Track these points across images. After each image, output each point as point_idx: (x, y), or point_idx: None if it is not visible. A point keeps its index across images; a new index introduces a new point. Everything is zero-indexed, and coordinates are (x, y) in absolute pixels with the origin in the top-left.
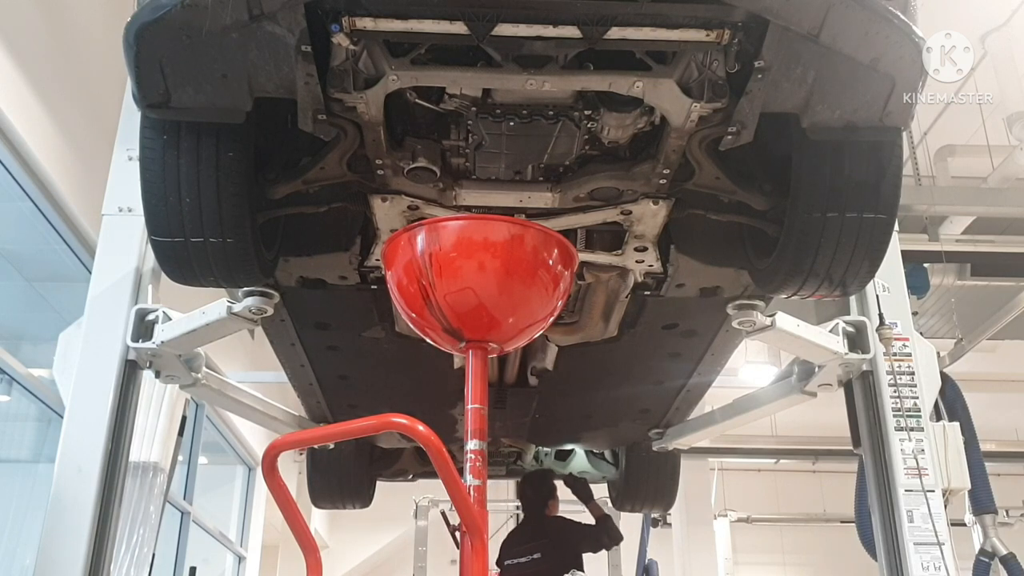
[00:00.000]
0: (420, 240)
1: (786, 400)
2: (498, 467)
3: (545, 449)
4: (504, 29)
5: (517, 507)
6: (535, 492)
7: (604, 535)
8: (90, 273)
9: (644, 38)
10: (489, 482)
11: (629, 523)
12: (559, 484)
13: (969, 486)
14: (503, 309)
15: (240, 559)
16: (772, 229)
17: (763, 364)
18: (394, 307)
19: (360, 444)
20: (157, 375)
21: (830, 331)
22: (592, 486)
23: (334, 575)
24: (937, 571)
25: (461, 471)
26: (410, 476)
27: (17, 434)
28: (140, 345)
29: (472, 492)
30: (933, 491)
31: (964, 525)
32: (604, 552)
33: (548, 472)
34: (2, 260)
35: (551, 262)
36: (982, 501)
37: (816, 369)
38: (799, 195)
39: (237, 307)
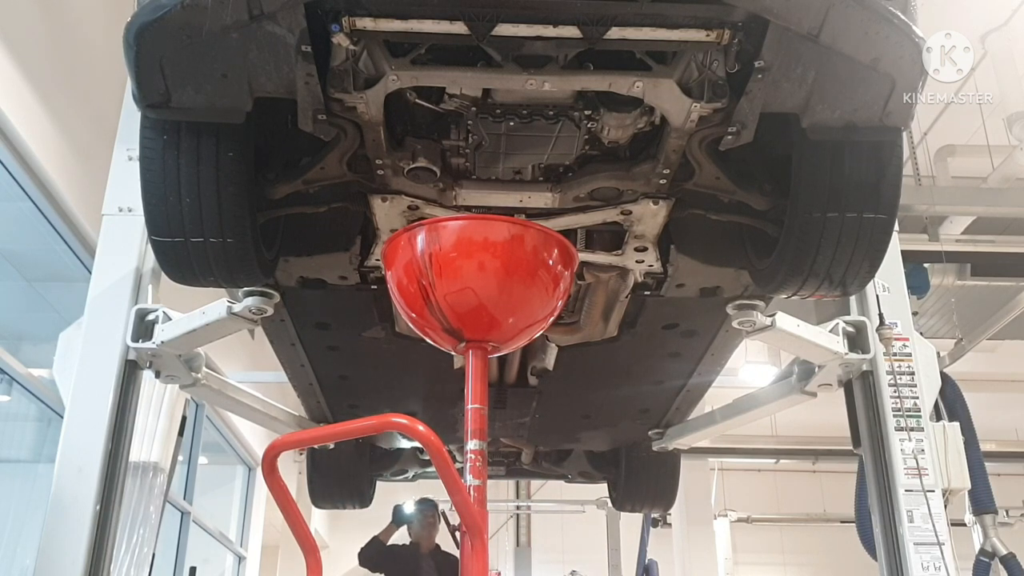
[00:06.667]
0: (420, 240)
1: (786, 400)
2: (498, 467)
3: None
4: (504, 29)
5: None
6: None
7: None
8: (90, 273)
9: (644, 38)
10: (489, 482)
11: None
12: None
13: (969, 486)
14: (503, 309)
15: (240, 559)
16: (772, 229)
17: (763, 364)
18: (394, 307)
19: (360, 444)
20: (157, 375)
21: (830, 331)
22: (592, 486)
23: (334, 575)
24: (937, 571)
25: (461, 471)
26: (410, 476)
27: (17, 434)
28: (140, 345)
29: (472, 492)
30: (933, 491)
31: (964, 525)
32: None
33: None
34: (2, 260)
35: (551, 262)
36: (982, 501)
37: (816, 369)
38: (799, 195)
39: (237, 307)
